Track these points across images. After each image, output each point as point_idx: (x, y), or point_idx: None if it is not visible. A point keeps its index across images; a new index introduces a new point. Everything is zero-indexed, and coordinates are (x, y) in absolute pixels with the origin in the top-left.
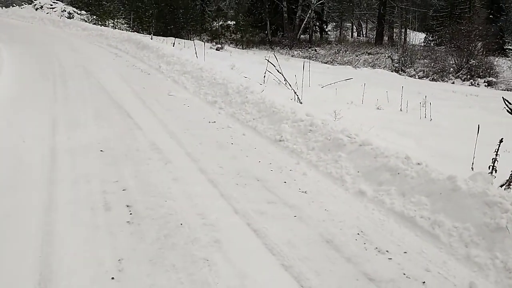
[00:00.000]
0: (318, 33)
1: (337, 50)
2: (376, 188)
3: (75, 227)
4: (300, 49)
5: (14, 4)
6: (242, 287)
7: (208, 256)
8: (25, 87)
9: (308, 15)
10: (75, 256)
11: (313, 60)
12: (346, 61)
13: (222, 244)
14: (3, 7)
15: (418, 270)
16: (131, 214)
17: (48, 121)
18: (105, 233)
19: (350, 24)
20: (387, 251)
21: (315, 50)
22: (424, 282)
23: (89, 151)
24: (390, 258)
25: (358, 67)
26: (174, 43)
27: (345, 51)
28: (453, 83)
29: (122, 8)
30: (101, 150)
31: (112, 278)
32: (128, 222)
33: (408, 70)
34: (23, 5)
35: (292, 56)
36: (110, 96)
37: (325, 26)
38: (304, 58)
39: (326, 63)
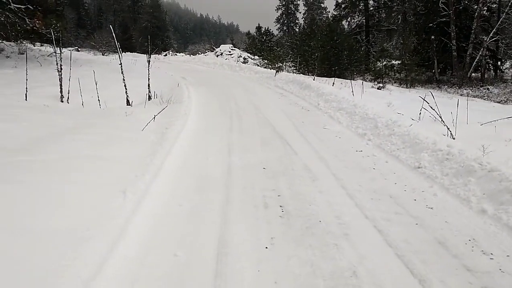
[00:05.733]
0: (492, 71)
1: None
2: (497, 207)
3: (243, 217)
4: (471, 88)
5: (199, 52)
6: (359, 264)
7: (338, 243)
8: (208, 120)
9: (480, 53)
10: (243, 233)
11: (484, 99)
12: None
13: (350, 237)
14: (191, 55)
15: None
16: (283, 211)
17: (226, 146)
18: (263, 222)
19: None
20: (491, 253)
21: (488, 88)
22: None
23: (255, 169)
24: (492, 258)
25: None
26: (334, 83)
27: None
28: None
29: (291, 52)
30: (264, 168)
31: (266, 247)
32: (280, 216)
33: None
34: (206, 52)
35: (461, 95)
36: (274, 128)
37: (500, 64)
38: (474, 97)
39: (499, 102)
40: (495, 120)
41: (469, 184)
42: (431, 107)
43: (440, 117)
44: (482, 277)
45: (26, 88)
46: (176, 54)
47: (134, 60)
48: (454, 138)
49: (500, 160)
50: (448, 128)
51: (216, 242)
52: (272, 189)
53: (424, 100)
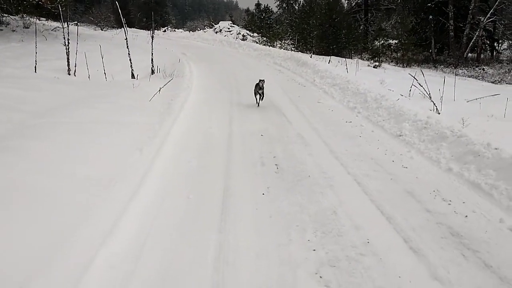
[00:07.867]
0: (489, 51)
1: (508, 69)
2: (462, 166)
3: (243, 172)
4: (466, 68)
5: (198, 29)
6: (339, 205)
7: (323, 191)
8: (209, 93)
9: (476, 33)
10: (242, 184)
11: (478, 79)
12: None
13: (334, 187)
14: (190, 31)
15: (466, 210)
16: (277, 168)
17: (227, 116)
18: (260, 176)
19: None
20: (450, 200)
21: (483, 69)
22: (466, 216)
23: (254, 135)
24: (450, 204)
25: None
26: (329, 61)
27: None
28: None
29: (290, 30)
30: (262, 135)
31: (263, 194)
32: (275, 172)
33: None
34: (205, 29)
35: (457, 75)
36: (272, 102)
37: (497, 45)
38: (469, 77)
39: (493, 82)
40: (480, 98)
41: (441, 148)
42: (420, 85)
43: (429, 94)
44: (438, 216)
45: (36, 61)
46: (175, 30)
47: (135, 36)
48: (439, 113)
49: (476, 132)
50: (434, 104)
51: (221, 189)
52: (268, 152)
53: (414, 78)
